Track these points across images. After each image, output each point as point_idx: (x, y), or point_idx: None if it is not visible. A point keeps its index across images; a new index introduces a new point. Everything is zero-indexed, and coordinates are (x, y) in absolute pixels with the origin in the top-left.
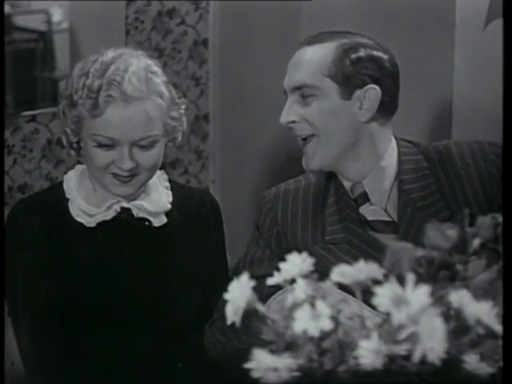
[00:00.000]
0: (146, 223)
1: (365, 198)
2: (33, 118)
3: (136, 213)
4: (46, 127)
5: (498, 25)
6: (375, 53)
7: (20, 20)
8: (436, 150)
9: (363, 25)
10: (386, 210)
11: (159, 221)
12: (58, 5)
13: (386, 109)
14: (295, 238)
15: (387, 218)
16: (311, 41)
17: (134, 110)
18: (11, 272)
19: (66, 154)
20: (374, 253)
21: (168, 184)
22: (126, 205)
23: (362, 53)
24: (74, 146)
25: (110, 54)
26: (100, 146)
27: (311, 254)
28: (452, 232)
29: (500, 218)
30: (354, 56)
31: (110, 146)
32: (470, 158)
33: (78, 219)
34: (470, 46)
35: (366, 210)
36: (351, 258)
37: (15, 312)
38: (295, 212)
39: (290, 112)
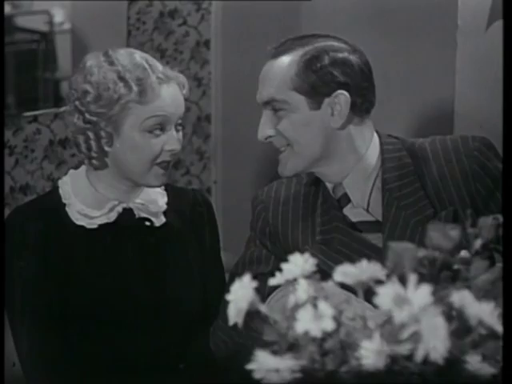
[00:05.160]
0: (148, 223)
1: (347, 200)
2: (35, 119)
3: (137, 213)
4: (48, 128)
5: (499, 26)
6: (340, 56)
7: (22, 21)
8: (421, 147)
9: (364, 26)
10: (368, 209)
11: (159, 221)
12: (59, 5)
13: (361, 109)
14: (286, 238)
15: (371, 218)
16: (276, 53)
17: (174, 88)
18: (9, 279)
19: (86, 160)
20: (367, 251)
21: None
22: (127, 205)
23: (325, 60)
24: (99, 150)
25: (112, 52)
26: (151, 131)
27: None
28: (454, 232)
29: (502, 219)
30: (317, 65)
31: (160, 128)
32: (453, 154)
33: (79, 223)
34: (472, 48)
35: (349, 212)
36: (343, 258)
37: (14, 316)
38: (286, 212)
39: (265, 127)
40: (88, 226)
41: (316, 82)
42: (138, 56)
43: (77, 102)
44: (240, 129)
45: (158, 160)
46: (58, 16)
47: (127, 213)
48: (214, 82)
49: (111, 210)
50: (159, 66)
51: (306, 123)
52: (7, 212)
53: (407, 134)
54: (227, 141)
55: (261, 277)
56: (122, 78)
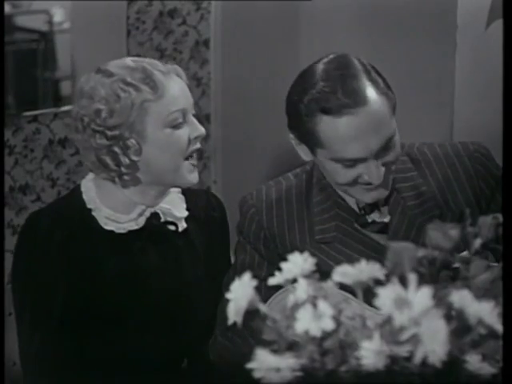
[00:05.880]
0: (173, 228)
1: (373, 207)
2: (34, 119)
3: (163, 217)
4: (48, 127)
5: (499, 25)
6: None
7: (21, 20)
8: (420, 152)
9: (364, 26)
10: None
11: (181, 226)
12: (59, 5)
13: None
14: (283, 240)
15: (384, 220)
16: (347, 104)
17: (176, 79)
18: (28, 285)
19: (117, 178)
20: (367, 251)
21: (179, 189)
22: (154, 210)
23: (373, 69)
24: (129, 162)
25: (103, 66)
26: (175, 125)
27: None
28: (453, 232)
29: (501, 218)
30: (377, 75)
31: (182, 121)
32: (455, 157)
33: (107, 227)
34: (472, 47)
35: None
36: (343, 257)
37: (25, 318)
38: (280, 214)
39: (381, 171)
40: (117, 231)
41: (393, 95)
42: (130, 61)
43: (92, 125)
44: (239, 128)
45: (189, 151)
46: (58, 15)
47: (154, 217)
48: (214, 82)
49: (140, 215)
50: (156, 62)
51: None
52: (7, 212)
53: (406, 134)
54: (227, 140)
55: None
56: (128, 84)
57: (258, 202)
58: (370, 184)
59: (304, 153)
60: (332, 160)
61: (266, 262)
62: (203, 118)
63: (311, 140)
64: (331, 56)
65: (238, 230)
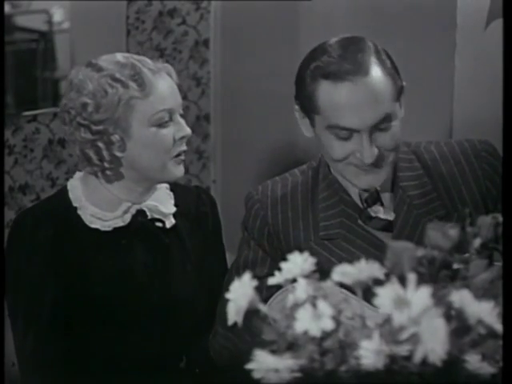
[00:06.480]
0: (160, 225)
1: (375, 199)
2: (34, 118)
3: (150, 214)
4: (47, 127)
5: (498, 25)
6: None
7: (21, 20)
8: (427, 150)
9: (363, 25)
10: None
11: (169, 222)
12: (58, 5)
13: None
14: (287, 236)
15: (389, 217)
16: (347, 70)
17: (166, 78)
18: (15, 281)
19: (100, 173)
20: (371, 248)
21: (168, 185)
22: (140, 207)
23: (387, 54)
24: (112, 158)
25: (95, 61)
26: (160, 124)
27: (305, 251)
28: (453, 232)
29: (501, 218)
30: (390, 63)
31: (168, 120)
32: (461, 156)
33: (93, 226)
34: (471, 47)
35: (372, 210)
36: (347, 254)
37: (19, 318)
38: (285, 210)
39: (373, 149)
40: (102, 229)
41: (400, 81)
42: (121, 56)
43: (78, 118)
44: (239, 128)
45: (174, 152)
46: (57, 15)
47: (140, 214)
48: (213, 82)
49: (125, 212)
50: (146, 59)
51: (399, 126)
52: (7, 212)
53: (405, 134)
54: (226, 140)
55: (257, 280)
56: (116, 79)
57: (263, 197)
58: (362, 165)
59: (306, 127)
60: (327, 129)
61: (269, 259)
62: (203, 118)
63: (310, 106)
64: (346, 35)
65: (243, 225)
